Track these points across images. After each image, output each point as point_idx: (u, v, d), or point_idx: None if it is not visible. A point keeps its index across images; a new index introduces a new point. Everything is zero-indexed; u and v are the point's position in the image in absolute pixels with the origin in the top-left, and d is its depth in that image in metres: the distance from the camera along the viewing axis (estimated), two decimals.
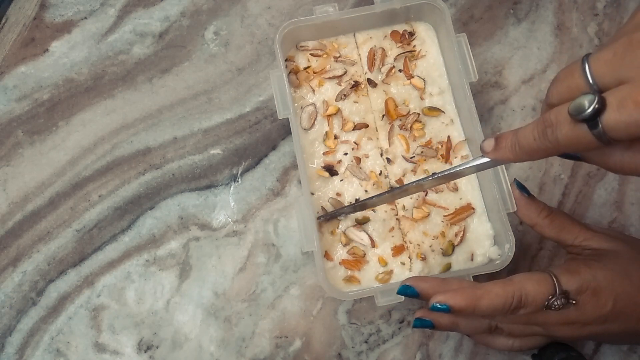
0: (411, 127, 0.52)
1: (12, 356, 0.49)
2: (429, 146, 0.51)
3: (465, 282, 0.43)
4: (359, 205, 0.48)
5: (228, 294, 0.51)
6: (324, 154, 0.51)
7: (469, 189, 0.50)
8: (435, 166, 0.51)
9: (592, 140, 0.29)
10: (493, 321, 0.43)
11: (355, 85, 0.52)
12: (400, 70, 0.53)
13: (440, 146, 0.52)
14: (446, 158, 0.51)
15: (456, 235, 0.49)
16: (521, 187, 0.45)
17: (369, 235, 0.49)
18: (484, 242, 0.49)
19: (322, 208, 0.50)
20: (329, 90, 0.52)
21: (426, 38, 0.54)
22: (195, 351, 0.49)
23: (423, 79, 0.53)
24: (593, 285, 0.39)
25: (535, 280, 0.39)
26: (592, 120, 0.28)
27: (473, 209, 0.50)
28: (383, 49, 0.53)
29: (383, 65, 0.53)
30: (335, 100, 0.52)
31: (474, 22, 0.57)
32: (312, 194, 0.50)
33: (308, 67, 0.53)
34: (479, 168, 0.39)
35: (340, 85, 0.53)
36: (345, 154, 0.51)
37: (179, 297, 0.50)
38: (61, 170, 0.53)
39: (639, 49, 0.28)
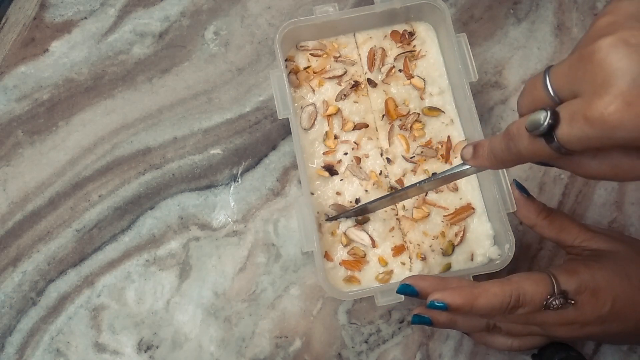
0: (411, 127, 0.52)
1: (12, 356, 0.49)
2: (429, 146, 0.51)
3: (464, 281, 0.43)
4: (362, 209, 0.48)
5: (228, 294, 0.51)
6: (324, 153, 0.51)
7: (469, 189, 0.50)
8: (435, 166, 0.51)
9: (551, 153, 0.30)
10: (491, 320, 0.43)
11: (355, 85, 0.52)
12: (400, 70, 0.53)
13: (440, 146, 0.52)
14: (446, 158, 0.51)
15: (456, 235, 0.49)
16: (520, 188, 0.45)
17: (369, 235, 0.49)
18: (484, 242, 0.49)
19: (325, 214, 0.50)
20: (329, 90, 0.52)
21: (426, 38, 0.54)
22: (195, 351, 0.49)
23: (423, 79, 0.53)
24: (592, 286, 0.39)
25: (533, 280, 0.39)
26: (548, 134, 0.29)
27: (473, 209, 0.50)
28: (383, 49, 0.53)
29: (383, 65, 0.53)
30: (335, 100, 0.52)
31: (474, 22, 0.57)
32: (312, 193, 0.50)
33: (308, 67, 0.53)
34: (476, 170, 0.39)
35: (340, 85, 0.53)
36: (345, 153, 0.51)
37: (179, 297, 0.50)
38: (61, 170, 0.53)
39: (589, 63, 0.28)
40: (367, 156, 0.51)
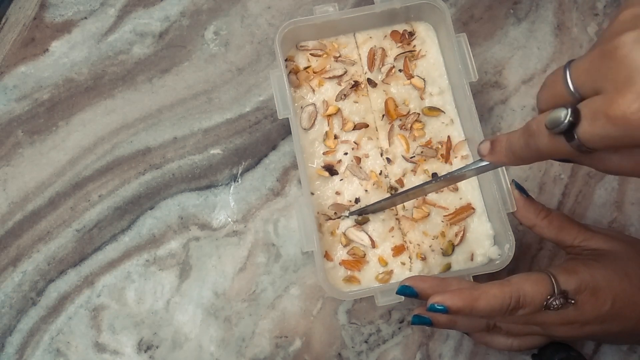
0: (411, 127, 0.52)
1: (12, 356, 0.49)
2: (429, 146, 0.51)
3: (464, 282, 0.42)
4: (364, 211, 0.48)
5: (228, 294, 0.51)
6: (324, 153, 0.51)
7: (468, 189, 0.50)
8: (435, 166, 0.51)
9: (571, 151, 0.29)
10: (491, 320, 0.43)
11: (355, 85, 0.52)
12: (400, 70, 0.53)
13: (440, 146, 0.52)
14: (446, 158, 0.51)
15: (456, 235, 0.49)
16: (519, 188, 0.45)
17: (369, 236, 0.49)
18: (484, 242, 0.49)
19: (325, 214, 0.50)
20: (329, 90, 0.52)
21: (426, 38, 0.54)
22: (195, 351, 0.49)
23: (423, 79, 0.53)
24: (592, 285, 0.39)
25: (533, 281, 0.39)
26: (569, 132, 0.29)
27: (473, 209, 0.50)
28: (383, 49, 0.53)
29: (383, 65, 0.53)
30: (335, 100, 0.52)
31: (474, 22, 0.57)
32: (312, 193, 0.50)
33: (308, 67, 0.53)
34: (479, 171, 0.39)
35: (340, 85, 0.53)
36: (345, 153, 0.51)
37: (179, 297, 0.50)
38: (61, 170, 0.53)
39: (611, 59, 0.27)
40: (367, 156, 0.51)
